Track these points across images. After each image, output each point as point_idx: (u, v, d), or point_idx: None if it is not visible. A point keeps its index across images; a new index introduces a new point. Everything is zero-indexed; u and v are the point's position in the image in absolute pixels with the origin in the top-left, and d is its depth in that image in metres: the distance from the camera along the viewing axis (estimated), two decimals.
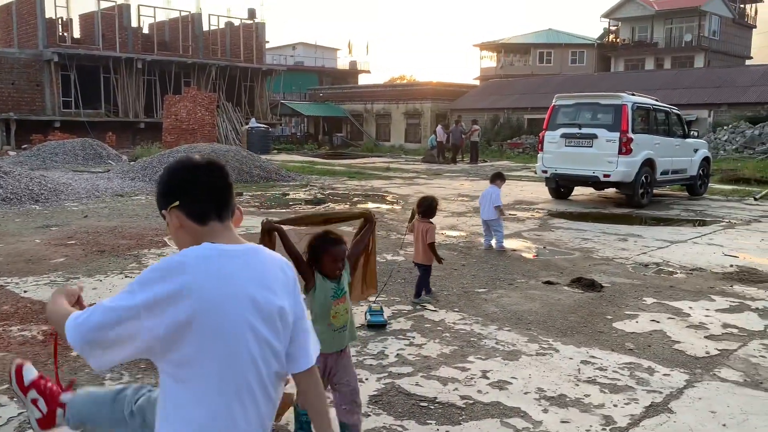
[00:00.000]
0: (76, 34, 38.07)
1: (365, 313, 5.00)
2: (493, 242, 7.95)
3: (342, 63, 61.17)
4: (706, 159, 14.58)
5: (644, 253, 7.92)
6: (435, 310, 5.37)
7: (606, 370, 4.10)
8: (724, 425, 3.36)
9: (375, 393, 3.68)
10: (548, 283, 6.31)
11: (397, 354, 4.33)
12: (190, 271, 1.54)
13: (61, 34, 35.84)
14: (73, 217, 10.14)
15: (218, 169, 1.71)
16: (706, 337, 4.78)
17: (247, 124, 31.94)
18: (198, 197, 1.66)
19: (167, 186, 1.69)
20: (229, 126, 33.98)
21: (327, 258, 2.93)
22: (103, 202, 12.02)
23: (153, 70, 35.51)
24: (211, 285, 1.54)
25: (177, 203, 1.65)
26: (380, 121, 41.91)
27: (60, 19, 36.13)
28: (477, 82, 47.96)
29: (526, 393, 3.74)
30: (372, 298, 5.58)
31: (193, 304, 1.51)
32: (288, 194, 13.92)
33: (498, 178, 8.28)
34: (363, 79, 57.66)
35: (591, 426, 3.33)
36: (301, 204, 12.35)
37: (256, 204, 12.16)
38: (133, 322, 1.52)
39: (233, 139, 32.61)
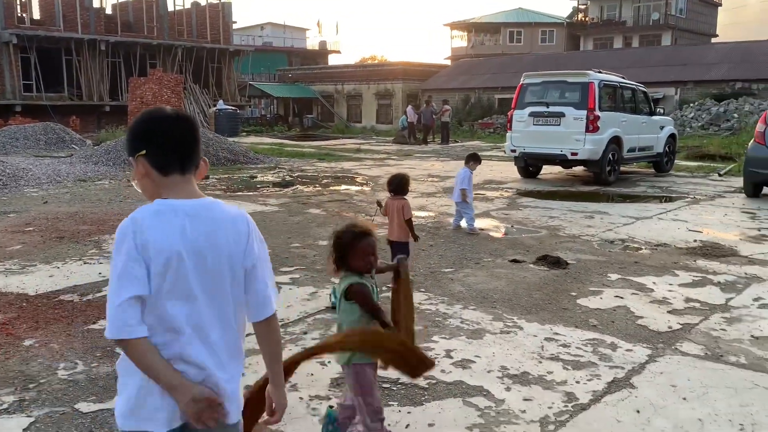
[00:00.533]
0: (36, 15, 36.87)
1: (330, 295, 4.93)
2: (463, 223, 7.91)
3: (311, 43, 60.52)
4: (672, 136, 14.74)
5: (610, 230, 7.97)
6: None
7: (569, 346, 4.10)
8: (684, 399, 3.38)
9: (337, 376, 3.63)
10: (515, 261, 6.31)
11: None
12: (145, 228, 1.64)
13: (19, 15, 34.64)
14: (32, 203, 9.86)
15: (185, 121, 1.78)
16: (668, 311, 4.82)
17: (214, 106, 31.45)
18: (163, 148, 1.73)
19: (135, 133, 1.76)
20: (196, 108, 33.41)
21: (356, 254, 2.65)
22: (64, 188, 11.72)
23: (117, 51, 34.67)
24: (163, 240, 1.64)
25: (144, 152, 1.72)
26: (351, 102, 41.62)
27: (18, 0, 35.00)
28: (448, 62, 47.85)
29: (489, 371, 3.72)
30: (336, 279, 5.53)
31: (150, 258, 1.62)
32: (256, 177, 13.73)
33: (472, 159, 8.05)
34: (333, 60, 57.17)
35: (553, 403, 3.32)
36: (268, 186, 12.19)
37: (223, 187, 11.98)
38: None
39: (201, 121, 32.09)
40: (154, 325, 1.65)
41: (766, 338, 4.27)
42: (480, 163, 8.21)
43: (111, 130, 25.84)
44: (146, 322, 1.64)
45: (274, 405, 1.88)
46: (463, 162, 8.41)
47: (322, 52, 58.13)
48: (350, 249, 2.65)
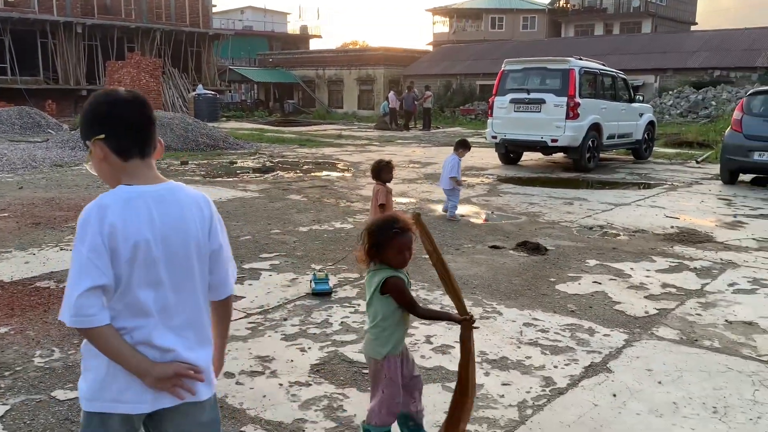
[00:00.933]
0: None
1: (310, 281, 4.93)
2: (445, 208, 7.92)
3: (292, 27, 59.97)
4: (650, 123, 14.86)
5: (589, 216, 8.04)
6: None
7: (548, 331, 4.14)
8: (659, 382, 3.44)
9: (317, 362, 3.64)
10: (494, 247, 6.35)
11: (342, 322, 4.28)
12: (112, 215, 1.62)
13: None
14: (7, 188, 9.70)
15: (142, 104, 1.75)
16: (645, 297, 4.88)
17: (194, 90, 31.08)
18: (122, 133, 1.70)
19: (93, 117, 1.73)
20: (175, 93, 33.02)
21: (394, 248, 2.53)
22: (40, 173, 11.53)
23: (94, 34, 34.06)
24: (131, 228, 1.62)
25: (102, 136, 1.69)
26: (332, 87, 41.37)
27: None
28: (430, 48, 47.72)
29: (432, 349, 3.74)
30: (317, 266, 5.52)
31: (118, 245, 1.61)
32: (236, 162, 13.62)
33: (460, 146, 7.89)
34: (314, 45, 56.81)
35: (531, 388, 3.36)
36: (248, 172, 12.10)
37: (202, 173, 11.87)
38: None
39: (180, 106, 31.74)
40: (122, 311, 1.65)
41: (740, 323, 4.34)
42: (469, 150, 8.11)
43: None
44: (115, 309, 1.64)
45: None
46: (443, 148, 8.40)
47: (303, 37, 57.64)
48: (389, 242, 2.52)
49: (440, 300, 4.74)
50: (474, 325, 2.65)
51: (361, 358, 3.71)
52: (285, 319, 4.31)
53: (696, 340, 4.03)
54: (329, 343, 3.92)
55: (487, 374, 3.51)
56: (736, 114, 10.93)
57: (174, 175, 11.40)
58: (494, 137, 13.17)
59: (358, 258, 2.66)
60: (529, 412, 3.10)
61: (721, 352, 3.86)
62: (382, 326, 2.61)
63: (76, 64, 33.25)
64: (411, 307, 2.60)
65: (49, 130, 19.95)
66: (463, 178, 10.86)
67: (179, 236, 1.71)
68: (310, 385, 3.36)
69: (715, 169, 12.16)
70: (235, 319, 4.29)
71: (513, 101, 12.73)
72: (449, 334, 4.09)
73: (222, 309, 1.91)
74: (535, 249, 6.18)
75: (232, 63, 43.24)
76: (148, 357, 1.67)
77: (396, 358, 2.64)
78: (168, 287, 1.69)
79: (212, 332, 1.87)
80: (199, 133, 16.36)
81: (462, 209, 8.28)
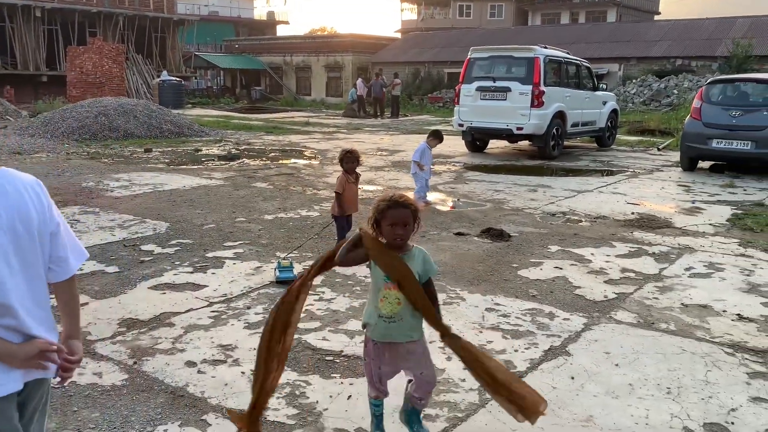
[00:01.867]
0: None
1: (274, 269, 4.91)
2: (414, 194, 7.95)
3: (259, 13, 59.15)
4: (614, 111, 15.08)
5: (552, 203, 8.16)
6: None
7: (509, 316, 4.20)
8: (616, 365, 3.52)
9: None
10: (459, 234, 6.40)
11: (306, 310, 4.27)
12: None
13: None
14: None
15: None
16: (605, 281, 4.98)
17: (158, 77, 30.52)
18: None
19: None
20: (139, 79, 32.37)
21: (384, 220, 2.48)
22: None
23: (54, 19, 33.17)
24: None
25: None
26: (300, 74, 41.02)
27: None
28: (398, 35, 47.55)
29: (431, 342, 3.74)
30: (281, 254, 5.51)
31: None
32: (201, 150, 13.45)
33: (431, 135, 7.98)
34: (281, 31, 56.10)
35: None
36: (214, 160, 11.97)
37: (166, 161, 11.69)
38: None
39: (144, 93, 31.16)
40: None
41: (695, 306, 4.47)
42: (441, 141, 8.08)
43: (49, 100, 24.80)
44: None
45: (75, 356, 1.88)
46: (411, 136, 8.47)
47: (270, 23, 56.93)
48: (382, 216, 2.49)
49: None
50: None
51: (325, 345, 3.74)
52: (248, 308, 4.29)
53: (653, 323, 4.13)
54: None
55: (449, 359, 3.55)
56: (696, 102, 11.16)
57: (137, 163, 11.22)
58: (461, 125, 13.23)
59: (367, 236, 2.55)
60: (488, 395, 3.15)
61: (677, 334, 3.96)
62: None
63: (35, 49, 32.35)
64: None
65: (7, 117, 19.41)
66: (432, 167, 10.92)
67: (24, 222, 1.70)
68: None
69: (676, 156, 12.41)
70: (197, 308, 4.27)
71: (479, 89, 12.79)
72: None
73: (66, 289, 1.90)
74: (499, 235, 6.25)
75: (197, 49, 42.53)
76: (10, 340, 1.68)
77: (370, 341, 2.61)
78: (19, 273, 1.70)
79: (64, 315, 1.90)
80: (163, 120, 16.10)
81: (429, 196, 8.32)
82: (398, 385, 2.82)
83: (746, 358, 3.62)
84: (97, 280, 4.82)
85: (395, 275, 2.44)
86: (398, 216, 2.47)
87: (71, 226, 6.29)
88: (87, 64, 27.17)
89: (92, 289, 4.61)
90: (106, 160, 11.61)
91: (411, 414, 2.79)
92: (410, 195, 7.78)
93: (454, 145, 14.65)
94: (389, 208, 2.48)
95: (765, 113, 10.19)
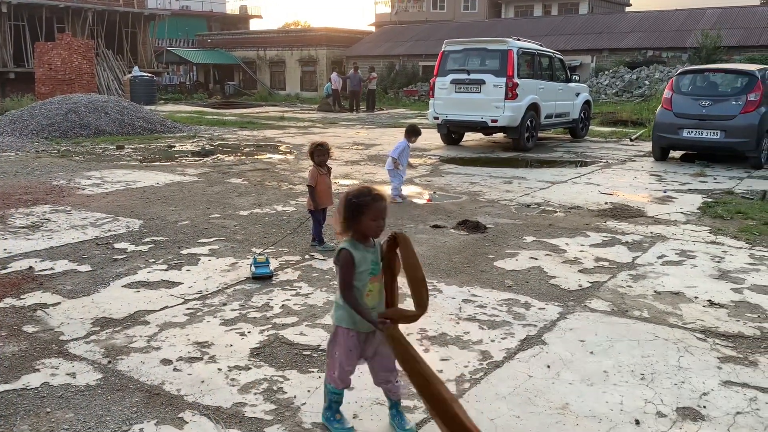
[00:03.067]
0: None
1: (250, 265, 4.88)
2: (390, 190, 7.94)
3: (231, 8, 58.55)
4: (587, 102, 15.24)
5: (527, 194, 8.22)
6: (324, 259, 5.32)
7: (486, 307, 4.23)
8: (591, 352, 3.56)
9: (257, 346, 3.61)
10: (436, 226, 6.42)
11: (283, 305, 4.26)
12: None
13: None
14: None
15: None
16: (579, 271, 5.03)
17: (129, 72, 30.08)
18: None
19: None
20: (110, 75, 31.88)
21: (366, 215, 2.54)
22: None
23: (21, 14, 32.47)
24: None
25: None
26: (274, 68, 40.74)
27: None
28: (372, 29, 47.44)
29: (408, 334, 3.76)
30: (257, 249, 5.47)
31: None
32: (174, 146, 13.30)
33: (409, 132, 7.92)
34: (254, 25, 55.73)
35: (469, 362, 3.43)
36: (187, 156, 11.83)
37: (139, 158, 11.54)
38: None
39: (115, 89, 30.69)
40: None
41: (668, 293, 4.54)
42: (419, 135, 8.03)
43: (17, 98, 24.28)
44: None
45: None
46: (387, 130, 8.46)
47: (243, 17, 56.42)
48: (363, 211, 2.54)
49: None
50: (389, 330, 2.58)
51: (302, 340, 3.72)
52: (224, 304, 4.26)
53: (626, 311, 4.19)
54: (269, 326, 3.90)
55: (426, 350, 3.57)
56: (666, 93, 11.32)
57: (109, 160, 11.05)
58: (436, 118, 13.26)
59: (335, 230, 2.70)
60: (466, 385, 3.17)
61: (650, 321, 4.02)
62: (338, 295, 2.67)
63: (1, 45, 31.66)
64: (343, 287, 2.61)
65: None
66: (410, 161, 10.93)
67: None
68: (250, 368, 3.34)
69: (648, 146, 12.58)
70: (173, 306, 4.22)
71: (454, 82, 12.82)
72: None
73: None
74: (475, 227, 6.28)
75: (169, 44, 42.01)
76: None
77: (349, 332, 2.66)
78: None
79: None
80: (135, 116, 15.87)
81: (405, 190, 8.32)
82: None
83: (717, 343, 3.69)
84: (69, 279, 4.74)
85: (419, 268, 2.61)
86: (381, 209, 2.57)
87: (42, 225, 6.19)
88: (56, 60, 26.65)
89: (64, 288, 4.53)
90: (77, 157, 11.41)
91: (393, 408, 2.83)
92: (387, 189, 7.80)
93: (429, 138, 14.68)
94: (374, 201, 2.55)
95: (734, 103, 10.37)
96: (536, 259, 5.33)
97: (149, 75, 30.46)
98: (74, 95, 16.92)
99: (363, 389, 3.11)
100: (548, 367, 3.38)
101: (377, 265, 2.67)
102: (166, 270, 4.97)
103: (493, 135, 14.31)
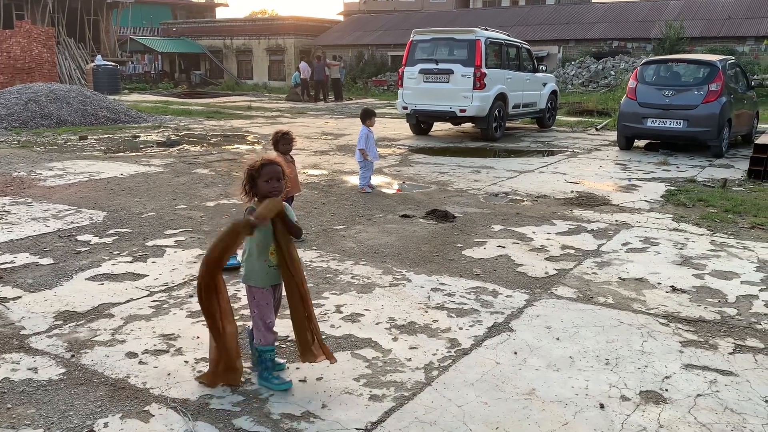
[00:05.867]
0: None
1: None
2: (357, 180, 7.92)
3: None
4: (554, 92, 15.38)
5: (495, 183, 8.28)
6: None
7: (454, 295, 4.26)
8: (557, 339, 3.61)
9: None
10: (405, 216, 6.43)
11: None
12: None
13: None
14: None
15: None
16: (546, 258, 5.10)
17: (92, 61, 29.40)
18: None
19: None
20: (72, 64, 31.10)
21: (261, 179, 2.94)
22: None
23: None
24: None
25: None
26: (241, 57, 40.23)
27: None
28: (341, 18, 47.11)
29: (377, 324, 3.80)
30: None
31: None
32: (139, 136, 13.06)
33: (365, 116, 7.67)
34: (221, 13, 54.95)
35: (437, 350, 3.45)
36: (152, 146, 11.64)
37: (102, 148, 11.30)
38: None
39: (78, 78, 29.98)
40: None
41: (632, 279, 4.62)
42: (374, 116, 7.93)
43: None
44: None
45: None
46: (356, 119, 8.37)
47: (209, 6, 55.52)
48: (258, 176, 2.95)
49: (351, 270, 4.77)
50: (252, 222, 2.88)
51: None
52: (191, 296, 4.21)
53: (592, 298, 4.26)
54: (237, 317, 3.85)
55: (395, 339, 3.58)
56: (631, 83, 11.48)
57: (72, 151, 10.81)
58: (405, 108, 13.24)
59: (241, 198, 3.06)
60: (435, 373, 3.19)
61: (614, 307, 4.09)
62: (245, 257, 3.06)
63: None
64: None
65: None
66: (378, 151, 10.91)
67: None
68: None
69: (614, 135, 12.76)
70: (138, 298, 4.16)
71: (422, 72, 12.82)
72: (359, 302, 4.13)
73: None
74: (444, 217, 6.31)
75: (133, 32, 41.11)
76: None
77: (261, 290, 3.04)
78: None
79: None
80: (98, 106, 15.54)
81: (374, 180, 8.31)
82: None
83: (679, 328, 3.77)
84: (31, 272, 4.63)
85: (278, 208, 2.92)
86: (273, 171, 2.96)
87: (1, 218, 6.03)
88: (15, 48, 25.90)
89: (25, 282, 4.43)
90: (38, 148, 11.14)
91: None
92: (355, 179, 7.78)
93: (398, 128, 14.69)
94: (265, 165, 2.96)
95: (696, 93, 10.57)
96: (504, 247, 5.37)
97: (113, 64, 29.81)
98: (35, 84, 16.49)
99: (332, 379, 3.11)
100: (515, 353, 3.42)
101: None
102: (131, 262, 4.89)
103: (462, 125, 14.37)
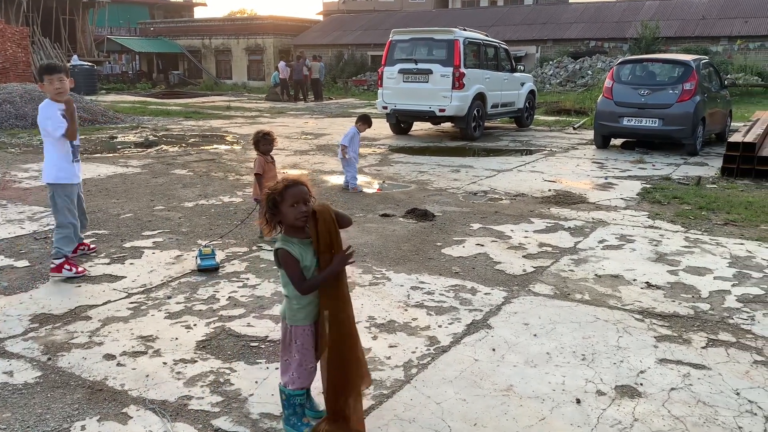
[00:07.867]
0: None
1: (195, 257, 4.80)
2: (343, 180, 7.91)
3: None
4: (531, 92, 15.50)
5: (474, 182, 8.33)
6: (271, 250, 5.27)
7: (433, 293, 4.28)
8: (535, 335, 3.65)
9: (203, 338, 3.57)
10: (385, 215, 6.45)
11: (229, 297, 4.22)
12: None
13: None
14: None
15: None
16: (524, 256, 5.15)
17: (68, 61, 29.01)
18: None
19: None
20: None
21: (285, 204, 2.45)
22: None
23: None
24: None
25: None
26: (220, 57, 39.99)
27: None
28: (320, 18, 47.01)
29: (357, 322, 3.78)
30: (203, 241, 5.39)
31: None
32: (116, 137, 12.93)
33: (361, 120, 7.98)
34: (199, 13, 54.61)
35: (417, 348, 3.47)
36: (130, 147, 11.53)
37: (79, 149, 11.15)
38: None
39: None
40: None
41: (608, 276, 4.69)
42: (369, 126, 8.07)
43: None
44: None
45: None
46: (336, 119, 8.42)
47: (187, 5, 55.08)
48: (282, 199, 2.45)
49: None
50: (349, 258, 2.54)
51: (249, 331, 3.70)
52: (169, 297, 4.19)
53: (568, 294, 4.31)
54: (216, 318, 3.86)
55: (375, 338, 3.59)
56: (607, 82, 11.61)
57: None
58: (385, 107, 13.27)
59: (263, 229, 2.61)
60: (414, 371, 3.21)
61: (591, 303, 4.15)
62: (287, 296, 2.58)
63: None
64: (296, 284, 2.49)
65: None
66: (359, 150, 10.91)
67: None
68: (196, 361, 3.30)
69: (591, 134, 12.89)
70: (115, 300, 4.13)
71: (402, 71, 12.85)
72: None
73: None
74: (423, 215, 6.34)
75: (110, 32, 40.67)
76: None
77: (305, 327, 2.59)
78: None
79: None
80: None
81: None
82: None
83: (654, 323, 3.84)
84: (6, 275, 4.57)
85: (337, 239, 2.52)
86: (297, 193, 2.46)
87: None
88: None
89: (0, 285, 4.37)
90: (13, 150, 10.98)
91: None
92: (334, 179, 7.77)
93: (378, 128, 14.68)
94: (288, 187, 2.46)
95: (671, 92, 10.73)
96: (482, 245, 5.42)
97: (89, 64, 29.45)
98: (9, 85, 16.25)
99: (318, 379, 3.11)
100: (493, 350, 3.45)
101: (314, 258, 2.54)
102: (108, 264, 4.85)
103: (441, 124, 14.42)
